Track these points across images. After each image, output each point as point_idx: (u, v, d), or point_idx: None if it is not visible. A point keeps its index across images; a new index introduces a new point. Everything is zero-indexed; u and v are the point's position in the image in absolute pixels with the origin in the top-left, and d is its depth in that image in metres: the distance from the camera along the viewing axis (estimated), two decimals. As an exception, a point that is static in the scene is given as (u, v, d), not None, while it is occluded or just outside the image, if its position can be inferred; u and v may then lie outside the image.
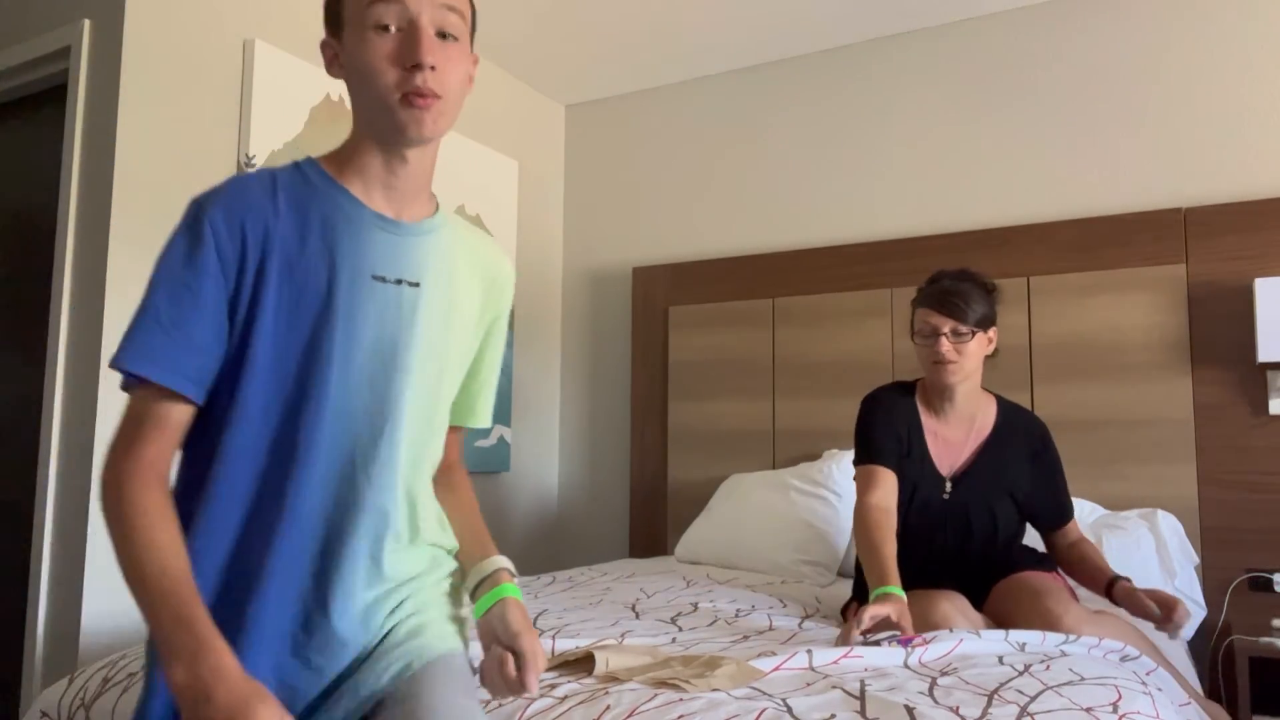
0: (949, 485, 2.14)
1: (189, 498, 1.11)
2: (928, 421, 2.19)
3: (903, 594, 1.80)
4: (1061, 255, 3.13)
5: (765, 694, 1.34)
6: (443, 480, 1.34)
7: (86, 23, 2.61)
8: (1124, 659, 1.68)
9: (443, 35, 1.15)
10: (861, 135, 3.62)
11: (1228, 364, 2.86)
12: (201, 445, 1.12)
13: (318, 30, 3.10)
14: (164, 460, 1.07)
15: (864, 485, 2.08)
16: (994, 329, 2.14)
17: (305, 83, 2.98)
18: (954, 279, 2.12)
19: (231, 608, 1.09)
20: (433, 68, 1.12)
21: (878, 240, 3.49)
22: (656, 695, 1.29)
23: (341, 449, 1.14)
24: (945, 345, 2.06)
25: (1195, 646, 2.73)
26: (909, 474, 2.14)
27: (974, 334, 2.07)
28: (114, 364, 1.06)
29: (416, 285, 1.20)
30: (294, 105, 2.93)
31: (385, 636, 1.16)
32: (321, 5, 1.23)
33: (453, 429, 1.37)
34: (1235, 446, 2.82)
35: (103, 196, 2.51)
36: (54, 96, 2.80)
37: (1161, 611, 1.87)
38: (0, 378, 2.84)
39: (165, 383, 1.06)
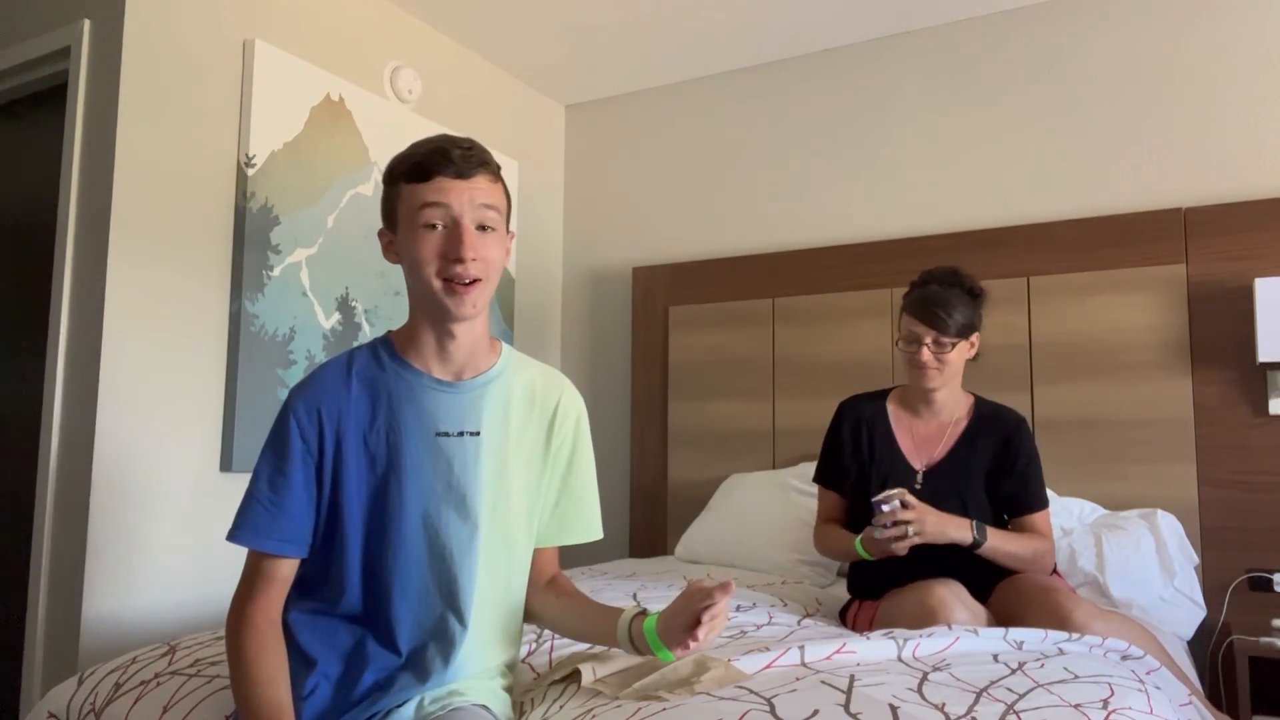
0: (921, 477, 2.17)
1: (311, 606, 1.38)
2: (901, 420, 2.25)
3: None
4: (1061, 255, 3.13)
5: (752, 693, 1.34)
6: (551, 589, 1.52)
7: (86, 23, 2.61)
8: (1125, 658, 1.68)
9: (482, 228, 1.34)
10: (861, 135, 3.61)
11: (1228, 364, 2.85)
12: (319, 572, 1.38)
13: (318, 30, 3.11)
14: (274, 607, 1.33)
15: (820, 508, 2.34)
16: (976, 334, 2.17)
17: (305, 83, 2.98)
18: (941, 284, 2.15)
19: (346, 686, 1.35)
20: (474, 260, 1.31)
21: (878, 240, 3.49)
22: (640, 709, 1.29)
23: (425, 578, 1.36)
24: (926, 355, 2.12)
25: (1195, 646, 2.72)
26: (877, 472, 2.20)
27: (955, 345, 2.12)
28: (230, 539, 1.32)
29: (477, 434, 1.39)
30: (294, 105, 2.94)
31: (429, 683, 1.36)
32: (380, 196, 1.44)
33: (537, 558, 1.54)
34: (1235, 446, 2.81)
35: (103, 197, 2.52)
36: (54, 96, 2.81)
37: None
38: (0, 378, 2.85)
39: (270, 550, 1.32)
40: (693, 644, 1.29)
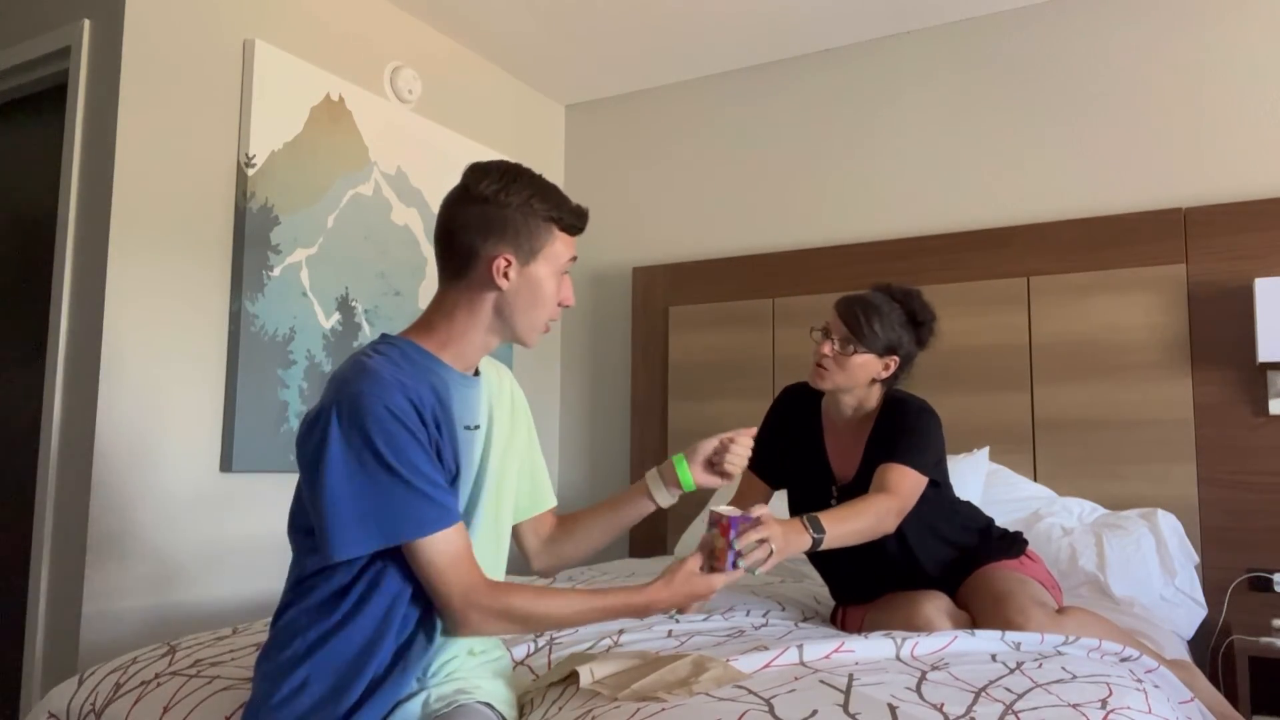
0: (835, 491, 2.09)
1: (327, 625, 1.33)
2: (829, 422, 2.16)
3: None
4: (1061, 255, 3.13)
5: (750, 693, 1.34)
6: (563, 524, 1.66)
7: (86, 23, 2.62)
8: (1124, 659, 1.67)
9: None
10: (861, 135, 3.61)
11: (1228, 364, 2.85)
12: (350, 578, 1.33)
13: (318, 30, 3.11)
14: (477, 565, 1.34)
15: (738, 489, 2.25)
16: (894, 358, 2.04)
17: (305, 83, 2.98)
18: (889, 295, 2.07)
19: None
20: None
21: (878, 240, 3.49)
22: (639, 709, 1.29)
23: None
24: (826, 349, 2.03)
25: (1195, 646, 2.72)
26: (802, 478, 2.14)
27: (860, 353, 2.01)
28: (413, 535, 1.28)
29: (479, 428, 1.45)
30: (294, 105, 2.94)
31: (434, 680, 1.38)
32: (503, 221, 1.41)
33: (539, 517, 1.67)
34: (1235, 446, 2.81)
35: (103, 197, 2.52)
36: (54, 96, 2.81)
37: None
38: (0, 377, 2.85)
39: (460, 521, 1.32)
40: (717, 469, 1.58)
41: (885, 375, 2.06)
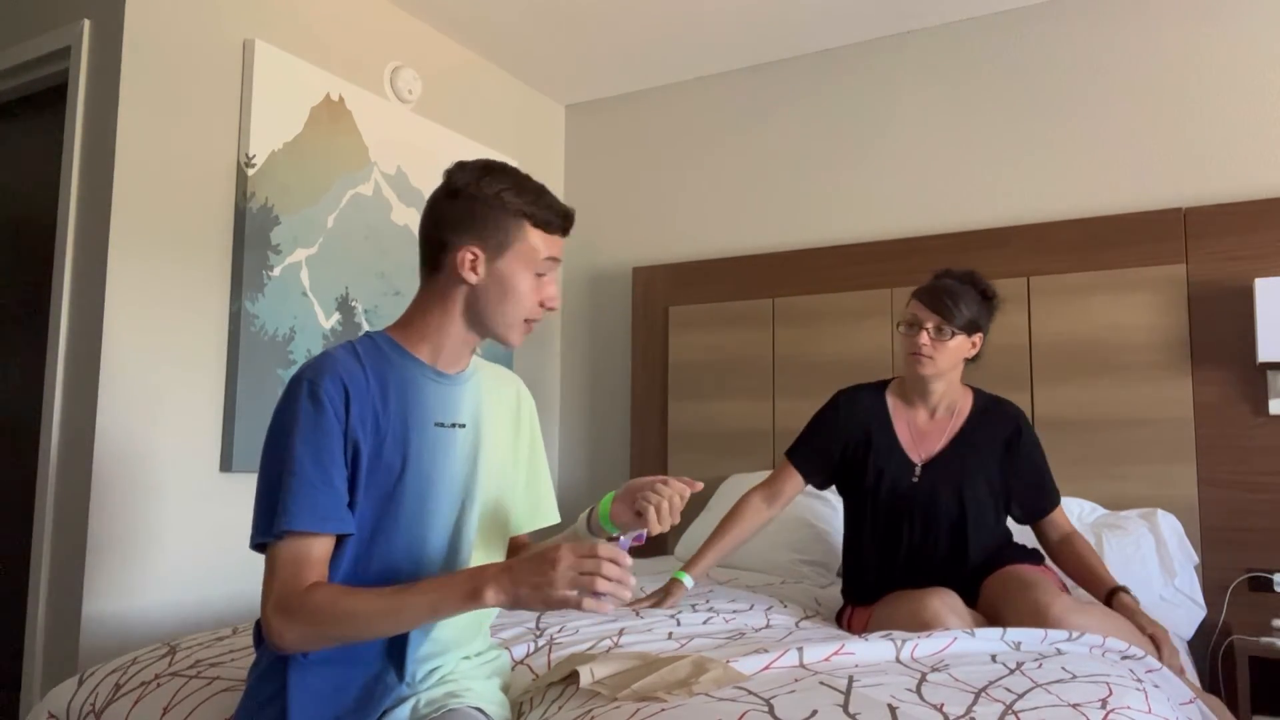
0: (919, 470, 2.17)
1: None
2: (900, 412, 2.25)
3: (686, 582, 2.20)
4: (1061, 255, 3.13)
5: (750, 693, 1.34)
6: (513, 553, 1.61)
7: (86, 23, 2.62)
8: (1125, 657, 1.68)
9: None
10: (861, 135, 3.61)
11: (1228, 364, 2.85)
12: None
13: (318, 30, 3.11)
14: (322, 578, 1.27)
15: (773, 474, 2.31)
16: (980, 335, 2.18)
17: (305, 83, 2.98)
18: (957, 279, 2.18)
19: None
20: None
21: (878, 240, 3.49)
22: (639, 709, 1.29)
23: (425, 565, 1.37)
24: (924, 339, 2.12)
25: (1195, 646, 2.72)
26: (873, 464, 2.20)
27: (955, 334, 2.12)
28: (281, 528, 1.24)
29: (464, 426, 1.43)
30: (294, 105, 2.94)
31: (424, 684, 1.36)
32: (467, 210, 1.39)
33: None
34: (1235, 446, 2.81)
35: (102, 197, 2.52)
36: (54, 96, 2.81)
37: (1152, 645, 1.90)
38: (0, 377, 2.85)
39: (329, 530, 1.27)
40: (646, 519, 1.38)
41: (973, 354, 2.19)
